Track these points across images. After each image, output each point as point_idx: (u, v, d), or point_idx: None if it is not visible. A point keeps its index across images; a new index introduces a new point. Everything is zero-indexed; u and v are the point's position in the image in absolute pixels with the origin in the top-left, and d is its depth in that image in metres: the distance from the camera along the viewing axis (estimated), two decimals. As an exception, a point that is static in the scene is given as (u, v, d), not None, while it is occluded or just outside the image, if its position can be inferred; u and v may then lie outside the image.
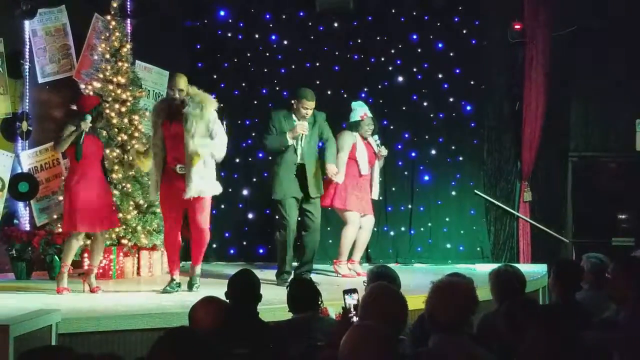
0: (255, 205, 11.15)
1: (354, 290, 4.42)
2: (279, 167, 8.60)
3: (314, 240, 8.62)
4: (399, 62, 11.09)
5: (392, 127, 10.90)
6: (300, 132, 8.48)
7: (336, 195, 9.18)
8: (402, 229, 10.98)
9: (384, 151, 9.40)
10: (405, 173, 11.04)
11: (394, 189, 10.97)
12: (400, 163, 10.97)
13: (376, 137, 9.45)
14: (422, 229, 10.97)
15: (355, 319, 4.23)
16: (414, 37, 11.09)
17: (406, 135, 11.05)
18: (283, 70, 11.15)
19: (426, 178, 11.05)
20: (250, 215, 11.12)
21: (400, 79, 11.09)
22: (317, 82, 10.96)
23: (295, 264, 8.78)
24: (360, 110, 9.40)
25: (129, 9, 10.30)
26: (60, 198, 9.19)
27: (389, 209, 10.99)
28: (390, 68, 11.09)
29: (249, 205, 11.15)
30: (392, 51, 11.08)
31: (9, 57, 9.20)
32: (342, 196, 9.20)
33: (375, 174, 9.47)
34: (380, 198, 9.97)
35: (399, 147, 10.94)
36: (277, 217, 8.73)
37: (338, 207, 9.24)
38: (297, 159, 8.57)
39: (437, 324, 3.84)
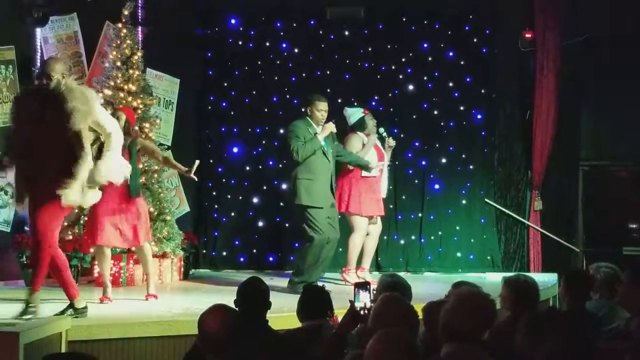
0: (266, 213, 11.14)
1: (365, 285, 4.40)
2: (315, 175, 8.52)
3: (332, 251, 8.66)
4: (409, 70, 11.09)
5: (402, 136, 10.87)
6: (329, 131, 8.55)
7: (351, 200, 9.14)
8: (413, 237, 10.96)
9: (392, 142, 9.40)
10: (416, 181, 11.03)
11: (404, 197, 10.96)
12: (410, 171, 10.96)
13: (382, 129, 9.42)
14: (432, 237, 10.95)
15: (362, 312, 4.23)
16: (425, 45, 11.09)
17: (417, 144, 11.04)
18: (294, 78, 11.15)
19: (436, 186, 11.04)
20: (260, 223, 11.12)
21: (411, 87, 11.09)
22: (328, 90, 10.95)
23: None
24: (357, 110, 9.42)
25: (140, 17, 10.32)
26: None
27: (399, 217, 10.97)
28: (400, 76, 11.10)
29: (259, 213, 11.15)
30: (403, 59, 11.09)
31: (20, 64, 9.23)
32: (358, 201, 9.14)
33: (384, 169, 9.43)
34: (387, 203, 9.90)
35: (410, 155, 10.93)
36: (309, 225, 8.47)
37: (355, 212, 9.17)
38: (330, 165, 8.62)
39: (453, 334, 3.81)
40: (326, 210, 8.46)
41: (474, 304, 3.91)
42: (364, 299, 4.33)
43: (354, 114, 9.41)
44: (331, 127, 8.54)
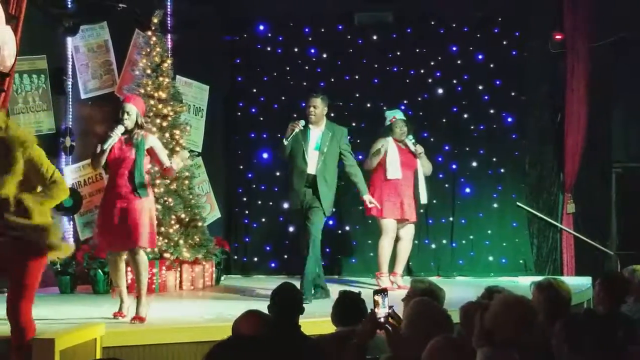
0: (296, 219, 11.13)
1: (383, 292, 4.38)
2: (291, 176, 8.53)
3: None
4: (438, 74, 11.06)
5: (432, 140, 10.84)
6: (291, 130, 8.31)
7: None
8: (444, 241, 10.92)
9: (419, 149, 9.35)
10: (446, 185, 10.99)
11: (435, 201, 10.89)
12: (441, 175, 10.91)
13: (410, 136, 9.38)
14: (463, 241, 10.90)
15: (382, 319, 4.21)
16: (454, 48, 11.05)
17: (446, 148, 11.00)
18: (322, 84, 11.14)
19: (467, 190, 10.99)
20: (290, 229, 11.12)
21: (440, 91, 11.05)
22: (357, 95, 11.01)
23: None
24: (389, 115, 9.46)
25: (169, 25, 10.38)
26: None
27: (430, 221, 10.93)
28: (429, 80, 11.06)
29: (289, 219, 11.15)
30: (432, 63, 11.05)
31: (52, 73, 9.31)
32: (380, 204, 9.20)
33: (420, 176, 9.40)
34: (418, 207, 9.86)
35: (440, 159, 10.88)
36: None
37: (376, 215, 9.27)
38: (307, 168, 8.39)
39: (494, 339, 3.79)
40: (297, 213, 8.47)
41: (520, 311, 3.89)
42: (383, 306, 4.31)
43: (386, 118, 9.44)
44: (293, 125, 8.34)
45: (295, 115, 11.05)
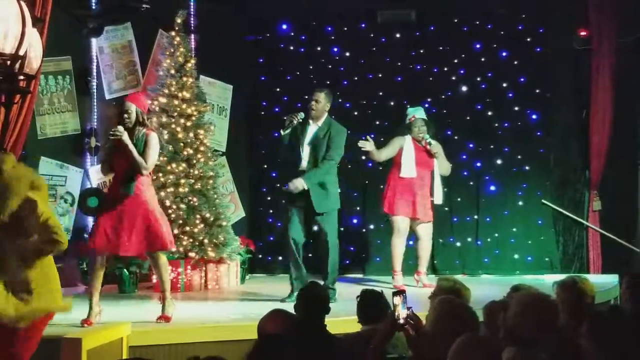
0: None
1: (401, 293, 4.37)
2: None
3: (329, 258, 8.23)
4: (462, 71, 11.01)
5: (456, 138, 10.82)
6: (288, 121, 8.10)
7: (385, 200, 9.27)
8: (469, 239, 10.88)
9: (435, 148, 9.22)
10: (471, 183, 10.94)
11: (459, 199, 10.88)
12: (465, 173, 10.87)
13: (426, 135, 9.25)
14: (488, 239, 10.85)
15: (401, 320, 4.20)
16: (477, 46, 11.01)
17: (471, 145, 10.96)
18: (345, 82, 11.14)
19: (492, 188, 10.94)
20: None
21: (464, 88, 11.01)
22: (380, 94, 10.98)
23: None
24: (410, 113, 9.41)
25: (192, 25, 10.42)
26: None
27: (455, 219, 10.89)
28: (453, 78, 11.02)
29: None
30: (455, 61, 11.01)
31: (77, 74, 9.37)
32: (390, 201, 9.23)
33: (436, 176, 9.33)
34: (442, 205, 9.80)
35: (464, 157, 10.85)
36: None
37: (387, 212, 9.29)
38: (300, 163, 8.17)
39: (517, 339, 3.76)
40: (293, 210, 8.29)
41: (540, 310, 3.86)
42: (402, 307, 4.30)
43: (407, 115, 9.40)
44: (289, 117, 8.06)
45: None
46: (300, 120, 8.12)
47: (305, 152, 8.15)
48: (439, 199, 9.39)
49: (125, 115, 6.86)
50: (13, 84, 3.28)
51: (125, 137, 6.74)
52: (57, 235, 5.20)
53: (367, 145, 9.02)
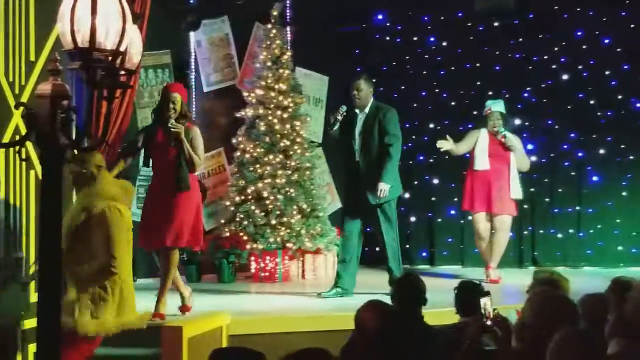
0: (417, 208, 11.10)
1: (488, 294, 4.36)
2: (344, 168, 8.17)
3: (388, 253, 7.98)
4: (563, 59, 10.77)
5: (557, 127, 10.61)
6: (332, 119, 7.90)
7: (464, 197, 9.18)
8: (570, 231, 10.64)
9: (509, 142, 8.93)
10: (572, 174, 10.70)
11: (560, 190, 10.67)
12: (567, 163, 10.65)
13: (501, 129, 8.98)
14: (591, 231, 10.59)
15: (488, 322, 4.16)
16: (579, 33, 10.74)
17: (572, 135, 10.71)
18: (442, 72, 11.04)
19: (595, 178, 10.67)
20: (412, 219, 11.08)
21: (565, 76, 10.75)
22: (478, 83, 10.84)
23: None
24: (487, 105, 9.21)
25: (288, 17, 10.49)
26: (227, 203, 9.46)
27: (556, 210, 10.68)
28: (554, 66, 10.78)
29: (411, 209, 11.10)
30: (556, 49, 10.77)
31: (176, 67, 9.54)
32: (467, 198, 9.10)
33: (512, 170, 9.08)
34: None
35: (565, 147, 10.63)
36: None
37: (466, 209, 9.22)
38: (354, 155, 7.84)
39: (631, 330, 3.67)
40: (345, 201, 8.14)
41: None
42: (488, 307, 4.28)
43: (484, 107, 9.23)
44: (336, 114, 7.83)
45: (415, 105, 11.10)
46: (345, 114, 7.83)
47: (358, 143, 7.85)
48: (516, 193, 9.12)
49: (172, 105, 6.45)
50: (114, 79, 3.34)
51: (182, 132, 6.41)
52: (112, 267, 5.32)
53: (446, 144, 8.97)
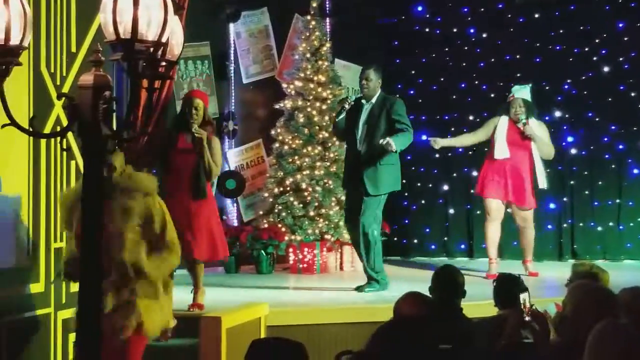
0: (456, 201, 11.08)
1: (526, 290, 4.39)
2: (345, 157, 8.13)
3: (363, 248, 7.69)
4: (604, 51, 10.66)
5: (597, 120, 10.53)
6: (339, 107, 7.87)
7: (478, 181, 8.99)
8: (610, 224, 10.55)
9: (530, 129, 8.64)
10: (613, 166, 10.61)
11: (600, 182, 10.59)
12: (607, 156, 10.56)
13: (522, 116, 8.71)
14: (631, 224, 10.49)
15: (527, 318, 4.15)
16: (620, 25, 10.62)
17: (613, 127, 10.61)
18: (482, 64, 10.99)
19: (635, 171, 10.57)
20: (451, 211, 11.05)
21: (606, 68, 10.65)
22: (518, 75, 10.72)
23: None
24: (512, 92, 8.94)
25: (327, 9, 10.48)
26: (266, 195, 9.50)
27: (596, 203, 10.60)
28: (594, 58, 10.68)
29: (449, 201, 11.07)
30: (597, 41, 10.66)
31: (215, 59, 9.59)
32: (481, 183, 8.88)
33: (536, 159, 8.79)
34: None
35: (606, 139, 10.54)
36: None
37: (477, 194, 9.03)
38: (356, 145, 7.74)
39: None
40: (349, 194, 8.05)
41: None
42: (527, 303, 4.28)
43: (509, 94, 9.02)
44: (344, 103, 7.78)
45: (454, 97, 11.05)
46: (352, 103, 7.78)
47: (361, 132, 7.74)
48: (542, 183, 8.85)
49: (194, 111, 6.37)
50: (155, 70, 3.36)
51: (206, 140, 6.32)
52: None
53: (435, 144, 8.88)
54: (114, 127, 3.36)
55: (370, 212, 7.64)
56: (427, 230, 11.13)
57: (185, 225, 6.14)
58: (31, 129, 3.48)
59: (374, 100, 7.78)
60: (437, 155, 10.85)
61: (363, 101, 7.82)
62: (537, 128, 8.79)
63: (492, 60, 10.94)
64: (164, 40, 3.20)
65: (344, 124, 7.79)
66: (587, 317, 3.71)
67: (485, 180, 8.82)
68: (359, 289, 7.60)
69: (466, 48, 11.08)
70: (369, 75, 7.77)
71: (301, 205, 9.27)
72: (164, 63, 3.43)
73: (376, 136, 7.58)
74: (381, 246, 7.84)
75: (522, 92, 8.92)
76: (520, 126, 8.72)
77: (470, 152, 10.74)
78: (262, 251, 9.09)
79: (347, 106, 7.73)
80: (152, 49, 3.21)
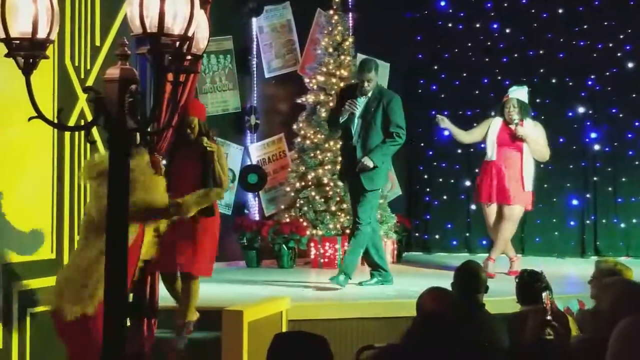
0: (478, 196, 11.03)
1: (548, 289, 4.43)
2: (341, 150, 8.22)
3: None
4: (628, 47, 10.58)
5: (621, 116, 10.46)
6: (347, 110, 7.65)
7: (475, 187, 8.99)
8: (634, 221, 10.48)
9: (520, 131, 8.48)
10: (636, 163, 10.54)
11: (624, 179, 10.52)
12: (631, 153, 10.49)
13: (515, 117, 8.57)
14: (656, 221, 10.45)
15: (549, 316, 4.16)
16: (645, 20, 10.55)
17: (637, 124, 10.54)
18: (505, 59, 10.93)
19: (659, 167, 10.51)
20: (472, 207, 11.00)
21: (630, 64, 10.57)
22: (541, 71, 10.71)
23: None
24: (509, 92, 8.80)
25: (350, 3, 10.46)
26: (287, 189, 9.51)
27: (620, 200, 10.53)
28: (618, 54, 10.61)
29: (471, 197, 11.03)
30: (621, 36, 10.59)
31: (237, 53, 9.60)
32: (476, 188, 8.91)
33: (525, 160, 8.60)
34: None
35: (630, 136, 10.47)
36: None
37: (476, 199, 9.02)
38: (351, 139, 7.70)
39: None
40: (348, 190, 8.11)
41: None
42: (548, 302, 4.30)
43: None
44: (348, 106, 7.63)
45: (477, 92, 11.00)
46: (358, 107, 7.67)
47: (357, 126, 7.69)
48: (528, 185, 8.64)
49: (189, 130, 6.16)
50: (181, 63, 3.38)
51: (216, 152, 6.15)
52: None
53: (442, 122, 8.80)
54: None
55: (367, 206, 7.69)
56: (449, 225, 11.10)
57: (184, 241, 5.95)
58: (57, 122, 3.50)
59: (369, 94, 7.74)
60: (459, 151, 10.82)
61: (357, 93, 7.75)
62: (532, 129, 8.66)
63: (515, 55, 10.88)
64: (190, 34, 3.21)
65: (341, 125, 7.79)
66: (624, 312, 3.70)
67: (479, 185, 8.83)
68: (361, 284, 7.72)
69: (489, 43, 11.02)
70: (370, 77, 7.72)
71: (323, 199, 9.27)
72: (189, 57, 3.44)
73: (371, 131, 7.64)
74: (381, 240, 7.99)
75: (517, 93, 8.77)
76: (513, 127, 8.61)
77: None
78: (284, 245, 9.11)
79: (356, 112, 7.67)
80: (178, 43, 3.21)
